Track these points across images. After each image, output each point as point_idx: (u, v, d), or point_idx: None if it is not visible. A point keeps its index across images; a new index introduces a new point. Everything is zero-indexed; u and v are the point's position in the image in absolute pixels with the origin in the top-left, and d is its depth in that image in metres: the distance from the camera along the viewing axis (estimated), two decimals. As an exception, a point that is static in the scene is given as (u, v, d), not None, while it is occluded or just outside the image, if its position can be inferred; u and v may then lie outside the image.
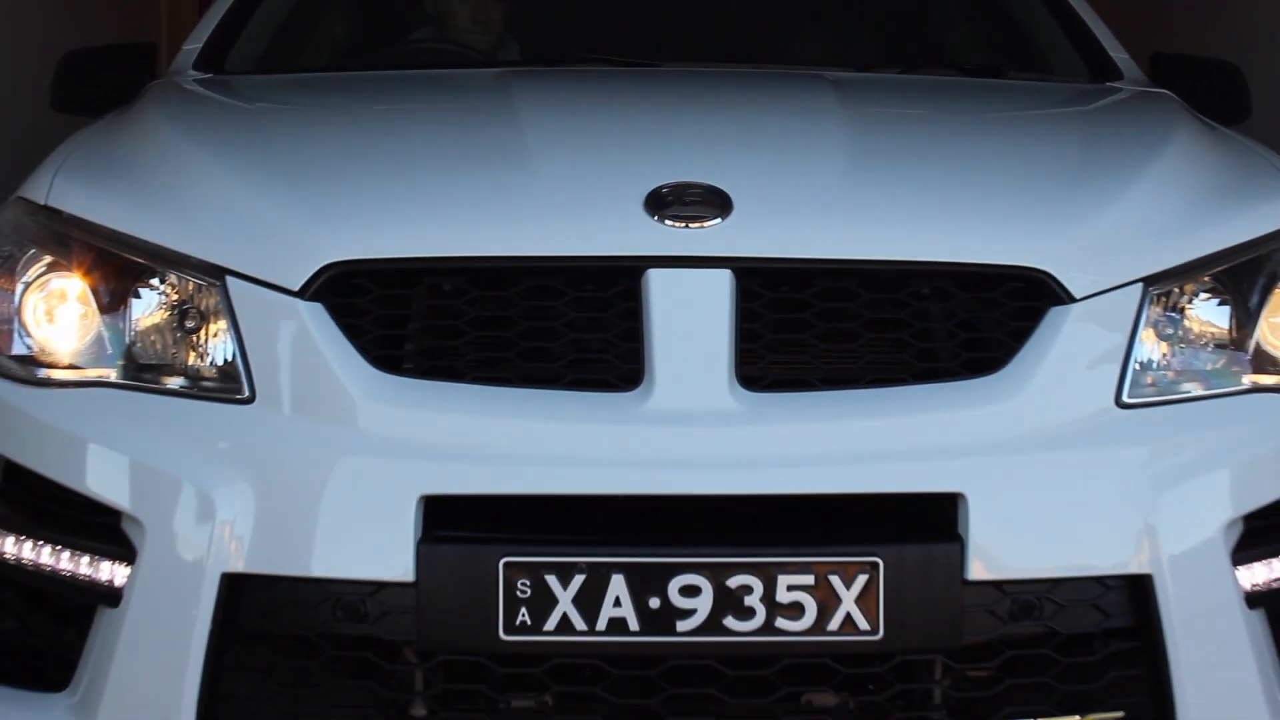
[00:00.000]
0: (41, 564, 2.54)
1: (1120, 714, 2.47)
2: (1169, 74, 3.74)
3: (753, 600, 2.34)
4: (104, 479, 2.50)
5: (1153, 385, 2.55)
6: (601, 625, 2.35)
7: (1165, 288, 2.58)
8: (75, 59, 3.78)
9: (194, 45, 3.75)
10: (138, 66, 3.71)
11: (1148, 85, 3.65)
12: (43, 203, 2.71)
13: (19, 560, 2.56)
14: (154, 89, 3.37)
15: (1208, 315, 2.63)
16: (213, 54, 3.72)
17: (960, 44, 4.16)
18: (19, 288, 2.65)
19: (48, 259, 2.65)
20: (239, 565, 2.41)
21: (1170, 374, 2.58)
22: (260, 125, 3.04)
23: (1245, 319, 2.64)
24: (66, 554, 2.53)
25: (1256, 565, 2.51)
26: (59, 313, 2.63)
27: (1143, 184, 2.71)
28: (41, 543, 2.55)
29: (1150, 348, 2.57)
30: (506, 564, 2.34)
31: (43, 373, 2.61)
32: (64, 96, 3.74)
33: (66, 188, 2.72)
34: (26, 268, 2.66)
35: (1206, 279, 2.63)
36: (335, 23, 4.22)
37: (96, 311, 2.62)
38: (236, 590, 2.41)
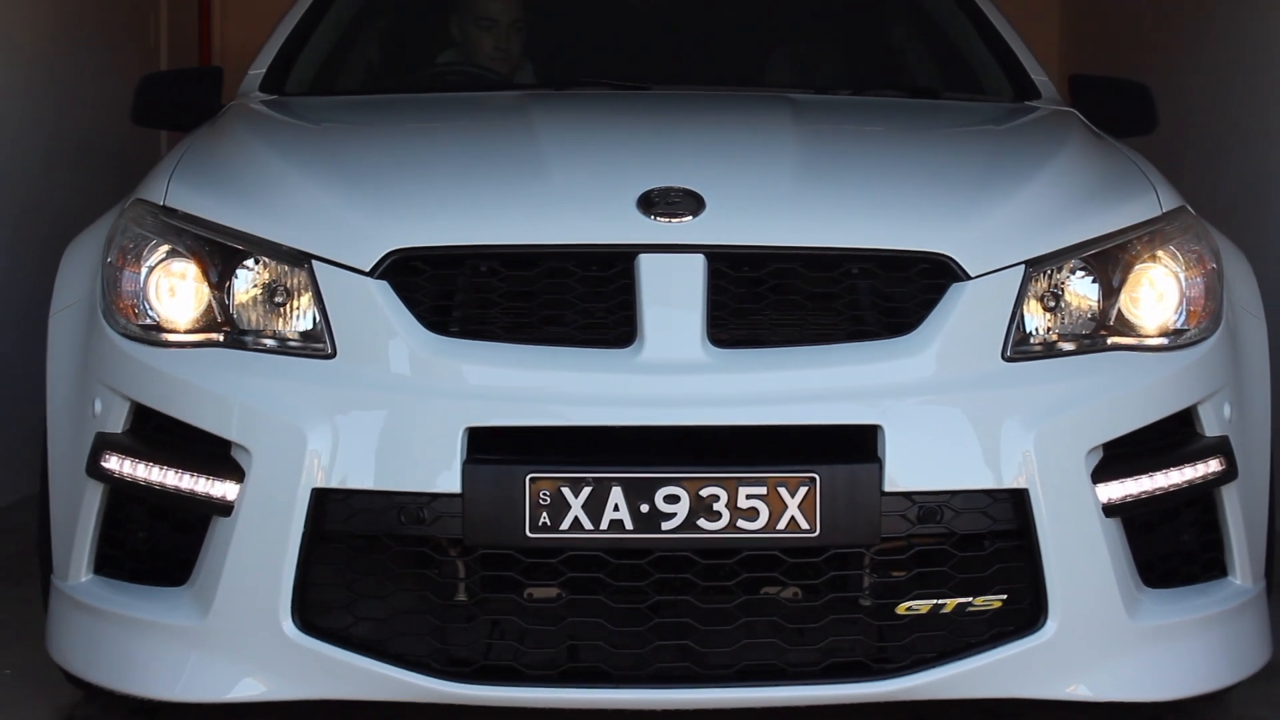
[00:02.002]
0: (167, 485, 3.09)
1: (1004, 596, 3.01)
2: (1085, 93, 4.22)
3: (720, 506, 2.90)
4: (219, 417, 3.04)
5: (1033, 344, 3.11)
6: (604, 525, 2.90)
7: (1044, 268, 3.13)
8: (152, 81, 4.27)
9: (258, 71, 4.28)
10: (205, 87, 4.18)
11: (1061, 104, 4.18)
12: (161, 203, 3.27)
13: (148, 483, 3.11)
14: (234, 109, 3.92)
15: (1080, 290, 3.17)
16: (274, 78, 4.25)
17: (906, 69, 4.67)
18: (144, 270, 3.20)
19: (166, 247, 3.19)
20: (325, 482, 2.95)
21: (1049, 335, 3.13)
22: (329, 140, 3.63)
23: (1109, 293, 3.18)
24: (188, 476, 3.06)
25: (1113, 483, 3.07)
26: (177, 289, 3.17)
27: (1030, 187, 3.26)
28: (167, 468, 3.09)
29: (1032, 315, 3.12)
30: (531, 479, 2.90)
31: (163, 337, 3.15)
32: (143, 113, 4.21)
33: (180, 191, 3.28)
34: (150, 255, 3.20)
35: (1079, 261, 3.17)
36: (371, 47, 4.70)
37: (206, 289, 3.15)
38: (323, 502, 2.96)
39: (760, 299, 3.07)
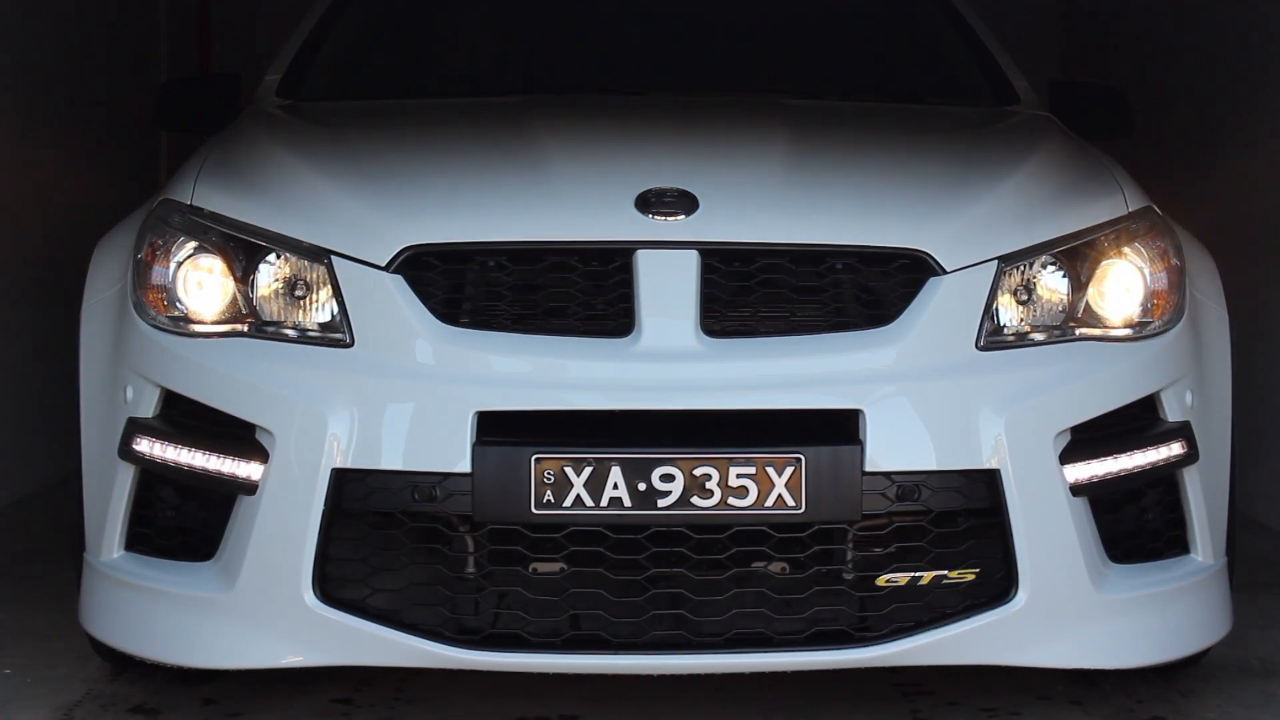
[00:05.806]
0: (195, 466, 3.28)
1: (977, 570, 3.20)
2: (1063, 98, 4.41)
3: (712, 484, 3.08)
4: (244, 402, 3.22)
5: (1005, 334, 3.29)
6: (604, 502, 3.08)
7: (1016, 264, 3.32)
8: (173, 86, 4.48)
9: (274, 76, 4.46)
10: (223, 93, 4.39)
11: (1039, 109, 4.35)
12: (188, 203, 3.44)
13: (177, 464, 3.29)
14: (252, 114, 4.10)
15: (1050, 284, 3.36)
16: (289, 85, 4.43)
17: (892, 75, 4.81)
18: (172, 265, 3.38)
19: (193, 244, 3.38)
20: (344, 462, 3.13)
21: (1020, 326, 3.31)
22: (345, 143, 3.79)
23: (1077, 287, 3.37)
24: (214, 458, 3.25)
25: (1080, 464, 3.26)
26: (203, 283, 3.35)
27: (1003, 187, 3.45)
28: (195, 450, 3.27)
29: (1005, 307, 3.30)
30: (536, 459, 3.08)
31: (191, 327, 3.32)
32: (165, 116, 4.43)
33: (206, 191, 3.46)
34: (178, 251, 3.39)
35: (1049, 257, 3.35)
36: (380, 56, 4.84)
37: (231, 282, 3.33)
38: (342, 481, 3.14)
39: (750, 292, 3.25)
